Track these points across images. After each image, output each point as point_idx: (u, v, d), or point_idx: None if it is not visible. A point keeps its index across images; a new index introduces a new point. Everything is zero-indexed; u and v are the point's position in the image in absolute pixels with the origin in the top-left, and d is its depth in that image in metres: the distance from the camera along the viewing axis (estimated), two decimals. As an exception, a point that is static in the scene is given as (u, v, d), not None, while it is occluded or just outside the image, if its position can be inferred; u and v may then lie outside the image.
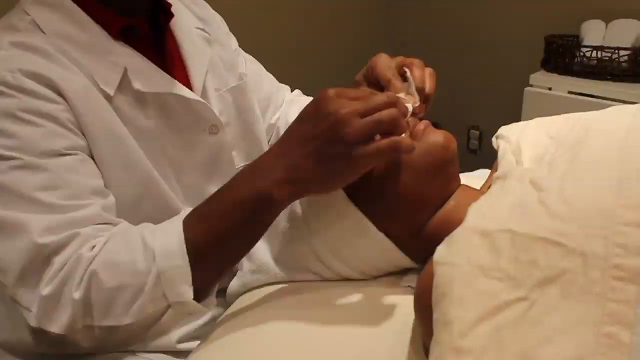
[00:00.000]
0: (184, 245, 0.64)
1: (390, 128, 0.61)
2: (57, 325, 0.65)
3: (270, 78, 1.10)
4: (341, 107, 0.60)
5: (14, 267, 0.66)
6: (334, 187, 0.65)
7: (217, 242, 0.65)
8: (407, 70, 0.74)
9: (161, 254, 0.64)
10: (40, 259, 0.65)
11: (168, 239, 0.64)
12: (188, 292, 0.64)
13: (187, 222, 0.66)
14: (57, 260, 0.65)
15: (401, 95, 0.71)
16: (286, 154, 0.63)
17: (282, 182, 0.62)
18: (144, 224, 0.70)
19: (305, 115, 0.63)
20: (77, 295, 0.64)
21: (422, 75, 0.74)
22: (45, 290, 0.64)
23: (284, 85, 1.13)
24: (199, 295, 0.66)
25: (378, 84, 0.76)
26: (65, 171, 0.69)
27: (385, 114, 0.60)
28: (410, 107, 0.68)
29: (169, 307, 0.66)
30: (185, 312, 0.67)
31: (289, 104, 1.09)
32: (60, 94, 0.72)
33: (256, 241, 0.68)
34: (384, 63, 0.76)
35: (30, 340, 0.84)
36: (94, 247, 0.66)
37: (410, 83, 0.73)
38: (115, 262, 0.64)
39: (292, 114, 1.04)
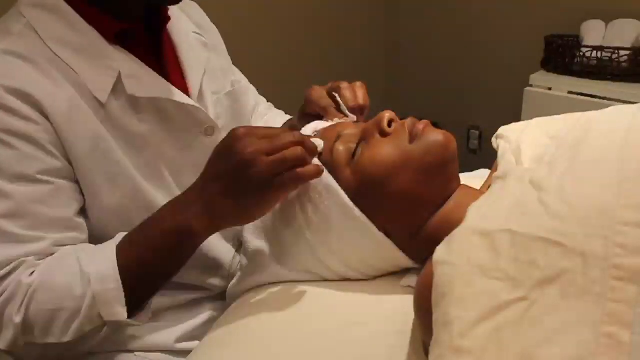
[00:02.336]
0: (117, 271, 0.68)
1: (295, 162, 0.65)
2: (2, 343, 0.69)
3: (253, 89, 1.12)
4: (248, 147, 0.65)
5: None
6: (250, 220, 0.70)
7: (146, 267, 0.70)
8: (335, 95, 0.82)
9: (96, 278, 0.68)
10: None
11: (103, 264, 0.69)
12: (122, 312, 0.68)
13: (120, 248, 0.70)
14: (1, 286, 0.68)
15: (337, 119, 0.79)
16: (202, 190, 0.68)
17: (200, 216, 0.67)
18: (81, 246, 0.74)
19: (218, 153, 0.68)
20: (17, 319, 0.68)
21: (353, 93, 0.82)
22: None
23: (261, 97, 1.15)
24: (132, 311, 0.70)
25: (317, 115, 0.83)
26: (30, 202, 0.71)
27: (289, 152, 0.65)
28: (321, 145, 0.71)
29: (105, 325, 0.70)
30: (120, 326, 0.73)
31: (256, 117, 1.10)
32: (42, 112, 0.72)
33: (180, 267, 0.73)
34: (317, 94, 0.84)
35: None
36: (32, 272, 0.69)
37: (342, 106, 0.81)
38: (52, 286, 0.68)
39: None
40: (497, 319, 0.46)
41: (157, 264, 0.71)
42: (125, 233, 0.72)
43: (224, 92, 0.94)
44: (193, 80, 0.88)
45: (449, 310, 0.48)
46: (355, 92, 0.82)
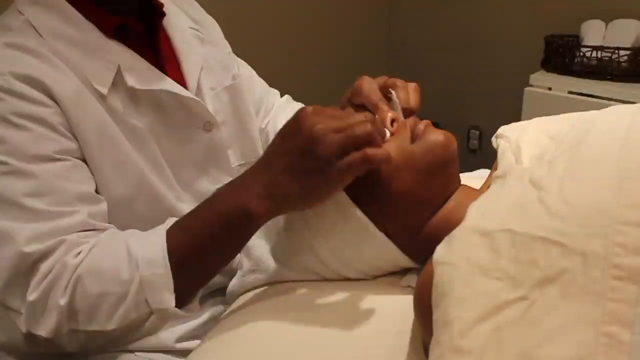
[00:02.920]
0: (167, 255, 0.66)
1: (364, 143, 0.62)
2: (44, 329, 0.67)
3: (261, 82, 1.11)
4: (316, 123, 0.61)
5: (1, 275, 0.67)
6: (313, 203, 0.66)
7: (198, 253, 0.67)
8: (392, 92, 0.76)
9: (144, 263, 0.65)
10: (26, 266, 0.67)
11: (151, 247, 0.66)
12: (170, 300, 0.66)
13: (170, 233, 0.68)
14: (43, 267, 0.66)
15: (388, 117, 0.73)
16: (265, 170, 0.64)
17: (261, 197, 0.64)
18: (130, 231, 0.72)
19: (284, 131, 0.65)
20: (62, 301, 0.66)
21: (407, 95, 0.76)
22: (32, 296, 0.66)
23: (273, 89, 1.13)
24: (181, 301, 0.68)
25: (364, 107, 0.77)
26: (53, 177, 0.70)
27: (359, 129, 0.61)
28: (387, 132, 0.69)
29: (152, 313, 0.67)
30: (168, 318, 0.69)
31: (278, 110, 1.10)
32: (51, 97, 0.72)
33: (236, 254, 0.70)
34: (369, 87, 0.78)
35: (27, 341, 0.84)
36: (79, 253, 0.67)
37: (396, 105, 0.75)
38: (99, 270, 0.66)
39: (280, 120, 1.06)
40: (497, 319, 0.46)
41: (212, 249, 0.67)
42: (175, 218, 0.69)
43: (222, 87, 0.94)
44: (190, 76, 0.89)
45: (449, 310, 0.48)
46: (409, 94, 0.77)
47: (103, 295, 0.66)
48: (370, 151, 0.61)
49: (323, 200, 0.65)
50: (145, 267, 0.65)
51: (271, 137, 1.05)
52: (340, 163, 0.61)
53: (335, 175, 0.62)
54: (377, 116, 0.72)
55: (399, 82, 0.78)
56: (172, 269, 0.65)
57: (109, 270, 0.66)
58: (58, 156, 0.71)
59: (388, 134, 0.68)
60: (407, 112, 0.74)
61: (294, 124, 0.63)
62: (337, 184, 0.63)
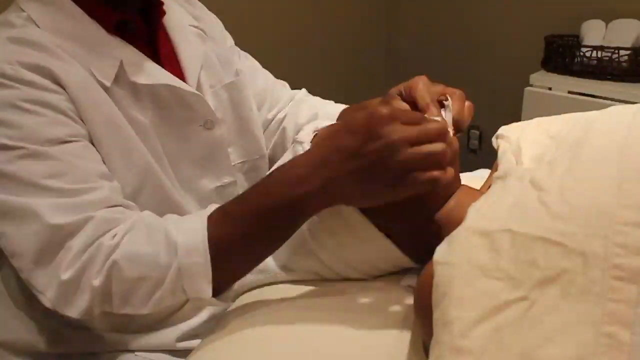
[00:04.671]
0: (207, 243, 0.64)
1: (436, 163, 0.60)
2: (74, 310, 0.66)
3: (265, 73, 1.09)
4: (393, 132, 0.59)
5: (29, 251, 0.66)
6: (368, 205, 0.65)
7: (241, 244, 0.65)
8: (448, 100, 0.74)
9: (183, 250, 0.64)
10: (56, 241, 0.65)
11: (191, 234, 0.64)
12: (207, 290, 0.64)
13: (213, 220, 0.65)
14: (75, 244, 0.65)
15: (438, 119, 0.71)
16: (326, 165, 0.62)
17: (319, 193, 0.62)
18: (168, 215, 0.70)
19: (354, 129, 0.61)
20: (96, 282, 0.64)
21: (462, 107, 0.74)
22: (66, 274, 0.65)
23: (281, 81, 1.11)
24: (218, 290, 0.66)
25: (412, 103, 0.76)
26: (70, 157, 0.70)
27: (434, 148, 0.60)
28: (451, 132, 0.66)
29: (187, 300, 0.66)
30: (203, 306, 0.67)
31: (298, 103, 1.07)
32: (59, 84, 0.72)
33: (280, 245, 0.68)
34: (425, 86, 0.76)
35: (29, 340, 0.84)
36: (114, 236, 0.66)
37: (448, 112, 0.73)
38: (137, 254, 0.65)
39: (303, 114, 1.03)
40: (497, 319, 0.46)
41: (257, 240, 0.65)
42: (217, 205, 0.67)
43: (221, 84, 0.94)
44: (190, 74, 0.88)
45: (449, 310, 0.48)
46: (463, 109, 0.75)
47: (140, 280, 0.64)
48: (440, 176, 0.60)
49: (377, 204, 0.64)
50: (185, 254, 0.64)
51: (289, 131, 1.03)
52: (409, 179, 0.60)
53: (400, 189, 0.61)
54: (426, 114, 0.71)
55: (459, 92, 0.77)
56: (211, 258, 0.63)
57: (147, 255, 0.64)
58: (71, 139, 0.71)
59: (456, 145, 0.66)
60: (455, 126, 0.73)
61: (368, 126, 0.60)
62: (398, 195, 0.62)
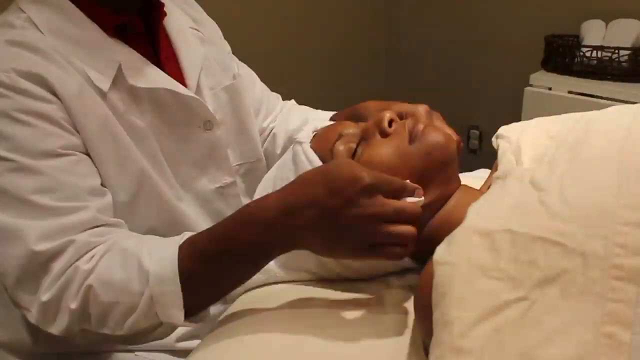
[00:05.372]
0: (177, 274, 0.65)
1: (403, 244, 0.62)
2: (55, 329, 0.68)
3: (262, 84, 1.11)
4: (371, 206, 0.60)
5: (11, 272, 0.68)
6: (327, 257, 0.70)
7: (210, 275, 0.67)
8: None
9: (155, 279, 0.65)
10: (37, 265, 0.67)
11: (163, 264, 0.66)
12: (179, 315, 0.66)
13: (183, 251, 0.67)
14: (55, 267, 0.67)
15: None
16: (299, 215, 0.62)
17: (285, 240, 0.64)
18: (143, 240, 0.71)
19: (335, 189, 0.61)
20: (73, 305, 0.66)
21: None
22: (45, 296, 0.67)
23: (274, 93, 1.14)
24: (192, 313, 0.68)
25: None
26: (60, 173, 0.70)
27: (406, 231, 0.61)
28: (422, 201, 0.66)
29: (162, 323, 0.67)
30: (176, 327, 0.70)
31: (288, 111, 1.09)
32: (54, 93, 0.72)
33: (249, 278, 0.70)
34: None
35: (29, 340, 0.84)
36: (92, 258, 0.67)
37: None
38: (110, 280, 0.66)
39: (293, 121, 1.05)
40: (497, 319, 0.46)
41: (225, 274, 0.67)
42: (190, 233, 0.69)
43: (220, 86, 0.94)
44: (190, 75, 0.89)
45: (449, 310, 0.48)
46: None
47: (114, 304, 0.66)
48: (401, 253, 0.62)
49: (336, 258, 0.69)
50: (156, 283, 0.65)
51: (279, 138, 1.05)
52: (374, 250, 0.62)
53: (361, 255, 0.63)
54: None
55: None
56: (182, 286, 0.65)
57: (120, 282, 0.66)
58: (63, 151, 0.71)
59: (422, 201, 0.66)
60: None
61: (348, 191, 0.60)
62: (357, 258, 0.67)
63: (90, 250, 0.68)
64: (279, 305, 0.71)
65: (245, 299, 0.76)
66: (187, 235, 0.69)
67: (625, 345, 0.43)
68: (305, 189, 0.63)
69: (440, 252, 0.53)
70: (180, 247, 0.67)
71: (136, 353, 0.85)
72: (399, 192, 0.63)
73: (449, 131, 0.74)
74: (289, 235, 0.63)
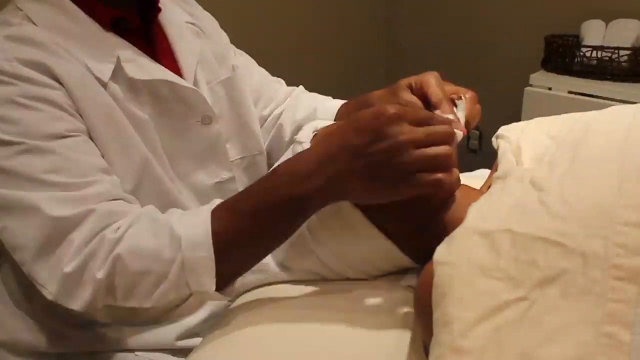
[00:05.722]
0: (210, 238, 0.64)
1: (441, 165, 0.61)
2: (77, 303, 0.66)
3: (260, 70, 1.09)
4: (401, 133, 0.59)
5: (30, 244, 0.66)
6: (370, 202, 0.65)
7: (246, 239, 0.65)
8: (462, 100, 0.76)
9: (187, 244, 0.64)
10: (58, 234, 0.65)
11: (195, 229, 0.65)
12: (211, 284, 0.64)
13: (217, 214, 0.66)
14: (77, 237, 0.65)
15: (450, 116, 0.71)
16: (332, 162, 0.62)
17: (323, 190, 0.62)
18: (172, 210, 0.71)
19: (361, 127, 0.61)
20: (99, 275, 0.64)
21: (474, 109, 0.77)
22: (68, 267, 0.65)
23: (277, 78, 1.11)
24: (222, 284, 0.66)
25: (421, 97, 0.78)
26: (70, 151, 0.70)
27: (440, 151, 0.60)
28: (460, 135, 0.67)
29: (191, 294, 0.66)
30: (207, 299, 0.67)
31: (296, 99, 1.07)
32: (57, 80, 0.73)
33: (284, 240, 0.68)
34: (438, 84, 0.77)
35: (30, 339, 0.84)
36: (118, 228, 0.66)
37: (461, 111, 0.74)
38: (140, 248, 0.65)
39: (300, 111, 1.03)
40: (497, 319, 0.46)
41: (259, 237, 0.66)
42: (219, 200, 0.68)
43: (218, 80, 0.94)
44: (187, 70, 0.89)
45: (449, 310, 0.48)
46: (474, 110, 0.77)
47: (143, 274, 0.64)
48: (444, 178, 0.60)
49: (381, 202, 0.64)
50: (188, 248, 0.64)
51: (287, 128, 1.03)
52: (414, 180, 0.60)
53: (405, 189, 0.61)
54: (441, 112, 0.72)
55: (472, 94, 0.78)
56: (215, 252, 0.63)
57: (151, 249, 0.64)
58: (70, 133, 0.71)
59: (461, 136, 0.66)
60: (465, 126, 0.74)
61: (375, 125, 0.60)
62: (401, 195, 0.62)
63: (115, 220, 0.67)
64: (279, 305, 0.71)
65: (246, 298, 0.76)
66: (218, 201, 0.68)
67: (625, 345, 0.43)
68: (333, 137, 0.63)
69: (440, 252, 0.53)
70: (213, 211, 0.66)
71: (136, 353, 0.85)
72: (427, 121, 0.62)
73: (467, 93, 0.76)
74: (327, 184, 0.62)
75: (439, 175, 0.60)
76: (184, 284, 0.65)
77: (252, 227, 0.65)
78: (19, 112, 0.69)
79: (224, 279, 0.66)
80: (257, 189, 0.66)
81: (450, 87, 0.79)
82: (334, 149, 0.62)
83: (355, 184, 0.62)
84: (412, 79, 0.80)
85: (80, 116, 0.74)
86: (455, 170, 0.63)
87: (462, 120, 0.74)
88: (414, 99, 0.78)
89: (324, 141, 0.64)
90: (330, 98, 1.07)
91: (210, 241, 0.64)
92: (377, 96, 0.86)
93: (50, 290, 0.66)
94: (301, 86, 1.12)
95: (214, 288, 0.65)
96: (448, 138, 0.61)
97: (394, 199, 0.63)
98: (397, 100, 0.80)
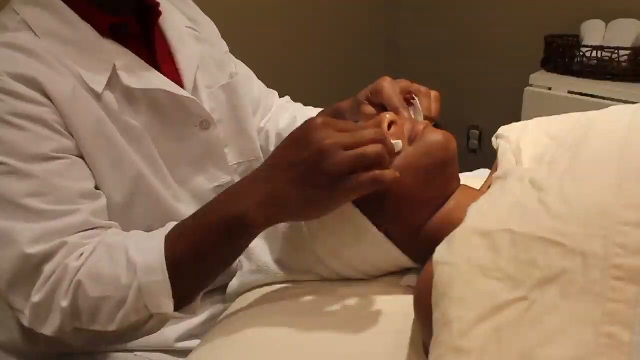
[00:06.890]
0: (164, 262, 0.65)
1: (374, 164, 0.61)
2: (49, 329, 0.68)
3: (259, 82, 1.11)
4: (326, 138, 0.61)
5: (4, 275, 0.68)
6: (312, 216, 0.66)
7: (196, 259, 0.67)
8: (416, 98, 0.77)
9: (142, 269, 0.66)
10: (29, 268, 0.67)
11: (150, 254, 0.66)
12: (168, 305, 0.66)
13: (169, 238, 0.67)
14: (47, 269, 0.67)
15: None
16: (267, 179, 0.63)
17: (261, 206, 0.63)
18: (131, 234, 0.72)
19: (290, 141, 0.64)
20: (64, 303, 0.66)
21: (429, 103, 0.78)
22: (36, 297, 0.67)
23: (272, 90, 1.14)
24: (181, 304, 0.68)
25: (381, 106, 0.78)
26: (53, 176, 0.70)
27: (370, 149, 0.61)
28: (399, 145, 0.68)
29: (152, 316, 0.68)
30: (168, 320, 0.70)
31: (279, 109, 1.10)
32: (46, 95, 0.72)
33: (235, 259, 0.70)
34: (391, 88, 0.78)
35: (27, 340, 0.84)
36: (81, 255, 0.68)
37: (418, 111, 0.76)
38: (99, 275, 0.66)
39: (283, 120, 1.07)
40: (497, 319, 0.46)
41: (211, 255, 0.67)
42: (175, 223, 0.70)
43: (218, 85, 0.94)
44: (187, 74, 0.88)
45: (449, 310, 0.48)
46: (432, 103, 0.78)
47: (103, 299, 0.66)
48: (379, 173, 0.61)
49: (322, 214, 0.65)
50: (143, 274, 0.65)
51: (272, 137, 1.05)
52: (348, 182, 0.60)
53: (342, 193, 0.61)
54: (380, 116, 0.72)
55: (423, 89, 0.79)
56: (170, 274, 0.65)
57: (108, 275, 0.66)
58: (57, 155, 0.71)
59: (399, 147, 0.67)
60: (427, 120, 0.75)
61: (303, 136, 0.62)
62: (341, 200, 0.63)
63: (80, 249, 0.68)
64: (279, 305, 0.71)
65: (245, 298, 0.76)
66: (172, 224, 0.69)
67: (625, 345, 0.43)
68: (273, 157, 0.65)
69: (440, 252, 0.53)
70: (167, 236, 0.68)
71: (135, 353, 0.85)
72: (355, 128, 0.64)
73: (421, 88, 0.78)
74: (265, 199, 0.63)
75: (376, 171, 0.61)
76: (142, 307, 0.66)
77: (201, 248, 0.66)
78: (6, 131, 0.69)
79: (182, 299, 0.68)
80: (202, 212, 0.68)
81: (403, 85, 0.80)
82: (270, 166, 0.64)
83: (295, 196, 0.62)
84: (369, 90, 0.81)
85: (70, 132, 0.74)
86: (394, 172, 0.63)
87: (421, 118, 0.76)
88: (373, 111, 0.79)
89: (266, 161, 0.66)
90: (312, 108, 1.10)
91: (164, 265, 0.65)
92: (345, 106, 0.88)
93: (25, 316, 0.68)
94: (287, 97, 1.15)
95: (172, 309, 0.66)
96: (377, 140, 0.62)
97: (339, 206, 0.64)
98: (360, 114, 0.81)
